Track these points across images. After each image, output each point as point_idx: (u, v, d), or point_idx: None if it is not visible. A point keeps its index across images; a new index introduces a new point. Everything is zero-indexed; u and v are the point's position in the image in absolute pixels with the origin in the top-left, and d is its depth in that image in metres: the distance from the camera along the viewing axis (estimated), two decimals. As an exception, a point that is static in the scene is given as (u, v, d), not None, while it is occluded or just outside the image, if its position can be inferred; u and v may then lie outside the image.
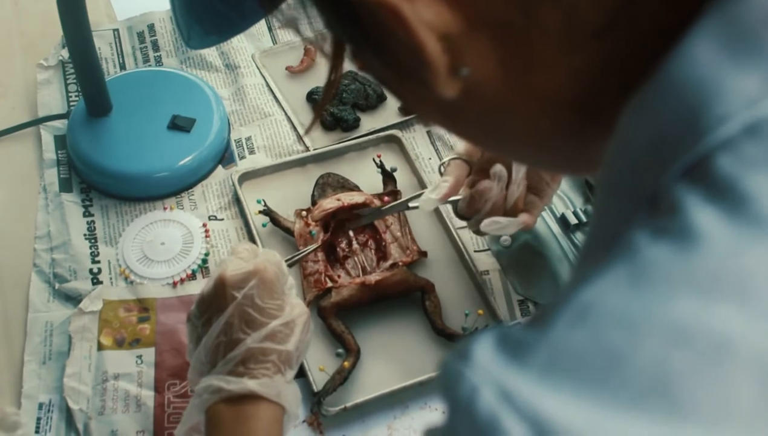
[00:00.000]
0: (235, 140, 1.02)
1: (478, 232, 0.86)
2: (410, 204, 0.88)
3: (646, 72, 0.34)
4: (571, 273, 0.38)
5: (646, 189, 0.32)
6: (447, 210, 0.94)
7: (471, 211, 0.83)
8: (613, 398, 0.28)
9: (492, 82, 0.37)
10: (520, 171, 0.81)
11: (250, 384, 0.65)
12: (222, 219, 0.94)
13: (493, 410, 0.29)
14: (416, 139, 1.03)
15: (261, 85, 1.07)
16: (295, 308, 0.70)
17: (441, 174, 0.86)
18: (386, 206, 0.91)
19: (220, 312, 0.68)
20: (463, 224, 0.93)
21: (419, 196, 0.87)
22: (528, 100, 0.38)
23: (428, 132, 1.03)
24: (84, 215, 0.93)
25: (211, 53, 1.10)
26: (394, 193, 0.94)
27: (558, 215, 0.93)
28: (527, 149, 0.44)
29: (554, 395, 0.29)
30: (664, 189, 0.31)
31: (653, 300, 0.30)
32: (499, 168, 0.80)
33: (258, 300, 0.68)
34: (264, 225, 0.92)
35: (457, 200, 0.84)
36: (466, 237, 0.92)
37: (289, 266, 0.76)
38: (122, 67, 1.09)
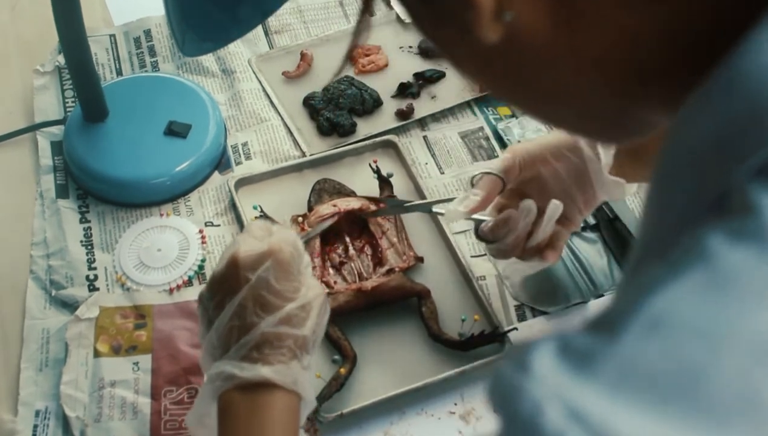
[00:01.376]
0: (231, 146, 1.02)
1: (495, 257, 0.83)
2: (434, 209, 0.86)
3: (709, 53, 0.32)
4: (626, 274, 0.35)
5: (713, 187, 0.30)
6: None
7: (491, 237, 0.81)
8: (693, 418, 0.26)
9: (537, 33, 0.35)
10: (551, 219, 0.78)
11: (264, 371, 0.61)
12: (218, 225, 0.94)
13: (561, 431, 0.27)
14: (413, 145, 1.03)
15: (257, 91, 1.07)
16: (311, 289, 0.66)
17: (472, 185, 0.83)
18: (409, 204, 0.90)
19: (233, 294, 0.64)
20: (461, 229, 0.94)
21: (446, 201, 0.85)
22: (574, 57, 0.36)
23: (425, 137, 1.03)
24: (80, 222, 0.93)
25: (207, 58, 1.10)
26: (391, 199, 0.94)
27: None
28: (564, 110, 0.41)
29: (628, 414, 0.27)
30: (736, 188, 0.29)
31: (735, 311, 0.28)
32: (528, 203, 0.77)
33: (273, 282, 0.64)
34: (260, 231, 0.92)
35: (481, 220, 0.81)
36: (463, 242, 0.92)
37: (305, 243, 0.72)
38: (119, 72, 1.09)
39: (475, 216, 0.81)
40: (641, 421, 0.26)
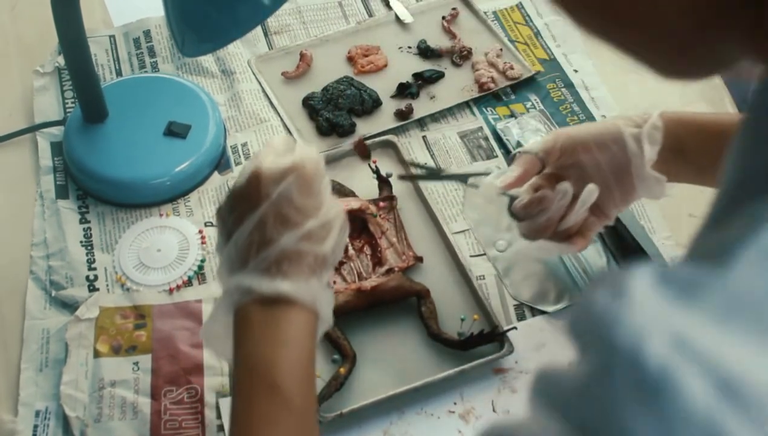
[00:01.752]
0: (231, 146, 1.02)
1: (525, 236, 0.83)
2: (470, 180, 0.87)
3: None
4: (715, 211, 0.36)
5: None
6: (442, 212, 0.94)
7: (523, 214, 0.81)
8: None
9: None
10: (585, 203, 0.78)
11: (284, 287, 0.61)
12: (218, 225, 0.94)
13: (665, 361, 0.26)
14: (412, 145, 1.03)
15: (257, 91, 1.08)
16: (331, 208, 0.65)
17: (510, 163, 0.83)
18: (445, 173, 0.93)
19: (254, 209, 0.63)
20: (460, 229, 0.94)
21: (482, 175, 0.85)
22: None
23: (424, 137, 1.04)
24: (80, 222, 0.93)
25: (206, 59, 1.10)
26: (390, 199, 0.94)
27: (553, 220, 0.93)
28: (636, 33, 0.38)
29: (737, 344, 0.26)
30: None
31: None
32: (565, 185, 0.77)
33: (295, 198, 0.63)
34: (260, 231, 0.92)
35: (515, 197, 0.81)
36: (462, 242, 0.93)
37: (327, 163, 0.71)
38: (118, 73, 1.09)
39: (510, 192, 0.81)
40: (751, 352, 0.25)
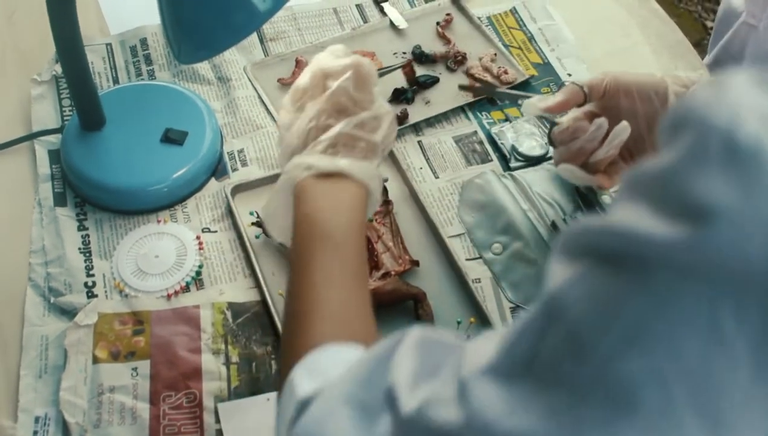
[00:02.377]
0: (227, 153, 1.02)
1: (557, 161, 0.91)
2: (519, 101, 0.95)
3: None
4: None
5: None
6: (437, 216, 0.95)
7: (559, 140, 0.88)
8: None
9: None
10: (617, 138, 0.84)
11: (341, 163, 0.69)
12: (215, 231, 0.95)
13: (758, 136, 0.28)
14: (407, 150, 1.03)
15: (253, 98, 1.08)
16: (382, 106, 0.75)
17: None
18: (500, 89, 1.04)
19: (314, 100, 0.73)
20: (456, 233, 0.94)
21: (528, 96, 0.92)
22: None
23: (419, 142, 1.04)
24: (78, 229, 0.94)
25: (203, 66, 1.11)
26: (387, 203, 0.95)
27: (549, 222, 0.94)
28: None
29: None
30: None
31: None
32: (601, 120, 0.84)
33: (351, 91, 0.72)
34: (257, 236, 0.93)
35: (555, 123, 0.90)
36: (458, 246, 0.93)
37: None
38: (115, 81, 1.10)
39: (558, 119, 0.90)
40: None
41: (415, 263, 0.91)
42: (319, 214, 0.67)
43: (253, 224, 0.92)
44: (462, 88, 1.06)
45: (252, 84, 1.10)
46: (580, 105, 0.89)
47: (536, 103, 0.89)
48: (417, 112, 1.07)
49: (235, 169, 1.01)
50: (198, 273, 0.90)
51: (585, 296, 0.32)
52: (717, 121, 0.29)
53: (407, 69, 1.08)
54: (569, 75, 1.13)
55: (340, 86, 0.72)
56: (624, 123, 0.82)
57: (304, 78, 0.75)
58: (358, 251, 0.67)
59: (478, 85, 1.06)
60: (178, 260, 0.91)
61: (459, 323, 0.85)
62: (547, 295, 0.35)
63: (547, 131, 0.92)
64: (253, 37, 1.16)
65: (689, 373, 0.29)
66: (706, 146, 0.29)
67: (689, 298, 0.29)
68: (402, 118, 1.05)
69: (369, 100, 0.74)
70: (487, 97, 1.09)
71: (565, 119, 0.90)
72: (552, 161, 0.98)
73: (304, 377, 0.53)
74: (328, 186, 0.68)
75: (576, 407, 0.32)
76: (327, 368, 0.54)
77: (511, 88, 1.09)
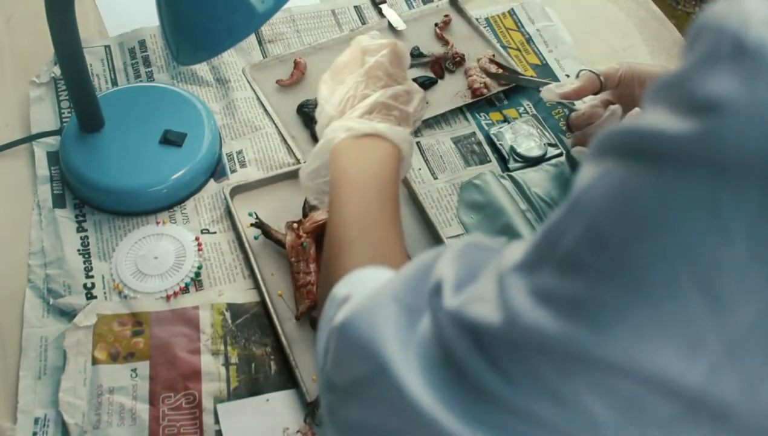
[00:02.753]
0: (226, 154, 1.03)
1: (572, 144, 0.98)
2: (540, 88, 1.02)
3: None
4: None
5: None
6: (436, 216, 0.95)
7: (575, 124, 0.97)
8: None
9: None
10: (616, 114, 0.91)
11: (378, 126, 0.75)
12: (214, 232, 0.95)
13: (763, 38, 0.31)
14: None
15: (251, 99, 1.08)
16: (414, 84, 0.82)
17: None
18: (523, 77, 1.08)
19: (353, 73, 0.80)
20: (455, 234, 0.94)
21: (548, 83, 1.00)
22: None
23: (418, 143, 1.04)
24: (77, 231, 0.94)
25: (201, 68, 1.11)
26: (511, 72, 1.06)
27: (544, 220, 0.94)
28: None
29: None
30: None
31: None
32: (615, 107, 0.91)
33: (387, 66, 0.80)
34: (256, 237, 0.93)
35: (573, 109, 0.99)
36: (457, 246, 0.93)
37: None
38: (114, 83, 1.10)
39: (577, 104, 0.99)
40: None
41: (414, 264, 0.91)
42: (356, 165, 0.73)
43: (252, 225, 0.92)
44: (490, 75, 1.10)
45: (251, 85, 1.10)
46: (596, 93, 0.95)
47: (554, 89, 0.96)
48: (415, 113, 1.07)
49: (233, 171, 1.01)
50: (197, 274, 0.90)
51: (604, 191, 0.35)
52: (728, 26, 0.32)
53: (435, 66, 1.11)
54: (567, 76, 1.13)
55: (377, 60, 0.80)
56: (636, 109, 0.86)
57: (344, 55, 0.83)
58: (394, 200, 0.72)
59: (503, 72, 1.10)
60: (177, 261, 0.91)
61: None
62: (572, 194, 0.38)
63: (564, 118, 1.02)
64: (252, 39, 1.16)
65: (692, 254, 0.32)
66: (717, 49, 0.32)
67: (694, 185, 0.32)
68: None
69: (402, 77, 0.81)
70: (486, 96, 1.09)
71: (582, 106, 0.97)
72: (551, 161, 0.99)
73: (346, 287, 0.57)
74: (365, 144, 0.74)
75: (593, 293, 0.35)
76: (367, 281, 0.56)
77: (509, 88, 1.10)
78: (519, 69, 1.12)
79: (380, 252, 0.65)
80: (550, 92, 0.97)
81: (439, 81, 1.11)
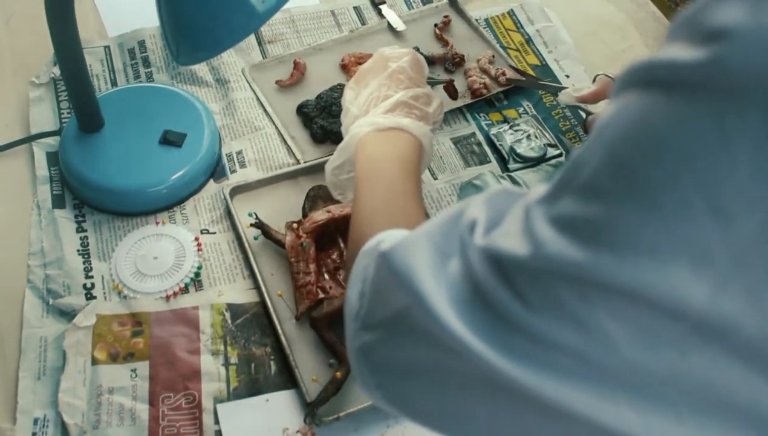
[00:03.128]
0: (226, 154, 1.03)
1: None
2: (558, 92, 1.04)
3: None
4: None
5: None
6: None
7: (592, 127, 0.95)
8: None
9: None
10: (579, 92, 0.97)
11: (401, 120, 0.80)
12: (214, 232, 0.95)
13: None
14: (406, 151, 1.04)
15: (251, 99, 1.08)
16: (431, 90, 0.87)
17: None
18: (543, 82, 1.09)
19: (377, 77, 0.86)
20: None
21: (564, 88, 1.03)
22: None
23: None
24: (77, 231, 0.94)
25: (201, 68, 1.11)
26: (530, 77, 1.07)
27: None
28: None
29: None
30: None
31: None
32: None
33: (409, 70, 0.86)
34: (256, 238, 0.93)
35: (590, 113, 1.03)
36: (456, 246, 0.93)
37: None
38: (113, 83, 1.10)
39: (590, 108, 1.03)
40: None
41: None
42: (381, 151, 0.78)
43: (251, 225, 0.92)
44: (509, 81, 1.10)
45: (250, 86, 1.10)
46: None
47: (572, 93, 1.00)
48: (415, 113, 1.07)
49: (233, 171, 1.01)
50: (197, 274, 0.90)
51: (624, 121, 0.38)
52: None
53: (450, 87, 1.10)
54: (567, 76, 1.13)
55: (399, 65, 0.86)
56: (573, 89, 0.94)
57: (368, 63, 0.89)
58: (416, 182, 0.76)
59: (523, 78, 1.11)
60: (177, 261, 0.91)
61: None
62: (594, 129, 0.40)
63: (582, 120, 1.06)
64: (252, 39, 1.16)
65: (700, 173, 0.34)
66: None
67: (702, 109, 0.34)
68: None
69: (423, 82, 0.87)
70: (486, 97, 1.09)
71: (598, 109, 1.00)
72: (551, 162, 0.99)
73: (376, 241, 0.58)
74: (389, 136, 0.79)
75: (611, 216, 0.37)
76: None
77: (509, 89, 1.10)
78: (531, 73, 1.12)
79: (405, 220, 0.67)
80: (567, 96, 1.01)
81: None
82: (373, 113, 0.82)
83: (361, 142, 0.80)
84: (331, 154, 1.00)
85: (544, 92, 1.11)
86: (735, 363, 0.35)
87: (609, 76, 0.97)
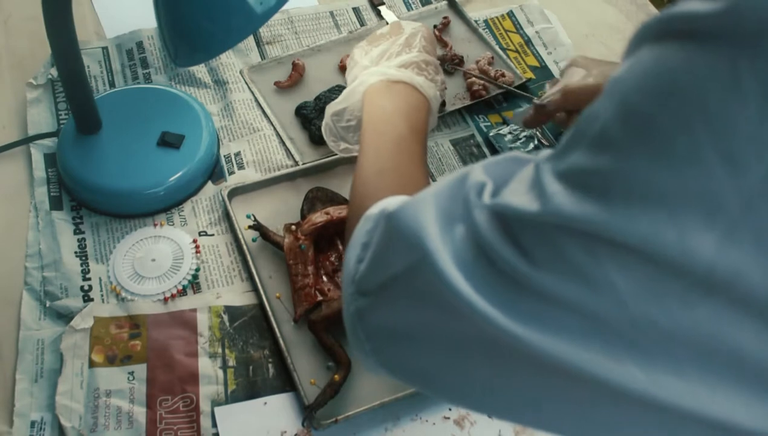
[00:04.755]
0: (224, 156, 1.02)
1: None
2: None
3: None
4: None
5: None
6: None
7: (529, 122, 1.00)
8: None
9: None
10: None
11: (416, 78, 0.81)
12: (212, 234, 0.94)
13: None
14: (404, 152, 1.03)
15: (249, 101, 1.08)
16: (439, 66, 0.89)
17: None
18: (519, 92, 1.09)
19: (390, 38, 0.88)
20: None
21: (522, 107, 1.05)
22: None
23: (416, 145, 1.04)
24: (74, 233, 0.93)
25: (199, 69, 1.11)
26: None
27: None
28: None
29: None
30: None
31: None
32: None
33: (421, 39, 0.88)
34: (254, 239, 0.92)
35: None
36: (455, 249, 0.93)
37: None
38: (111, 84, 1.10)
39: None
40: None
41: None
42: (391, 103, 0.78)
43: (250, 227, 0.92)
44: (526, 125, 1.02)
45: (249, 87, 1.10)
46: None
47: (521, 113, 1.00)
48: (414, 115, 1.06)
49: (231, 173, 1.01)
50: (195, 277, 0.90)
51: (636, 73, 0.38)
52: None
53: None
54: (566, 78, 1.13)
55: (413, 31, 0.88)
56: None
57: (383, 28, 0.92)
58: (423, 143, 0.77)
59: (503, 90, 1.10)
60: (175, 263, 0.91)
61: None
62: (606, 84, 0.40)
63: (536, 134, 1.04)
64: (250, 41, 1.16)
65: (712, 119, 0.34)
66: None
67: (715, 56, 0.34)
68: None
69: (434, 54, 0.89)
70: (485, 98, 1.09)
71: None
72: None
73: (378, 208, 0.58)
74: (399, 89, 0.80)
75: (621, 167, 0.37)
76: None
77: (509, 91, 1.10)
78: (518, 72, 1.12)
79: (410, 185, 0.67)
80: (517, 118, 1.01)
81: (438, 83, 1.10)
82: (387, 62, 0.83)
83: (372, 90, 0.80)
84: (330, 157, 1.00)
85: (544, 93, 1.11)
86: (740, 315, 0.35)
87: (580, 63, 0.95)
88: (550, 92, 0.96)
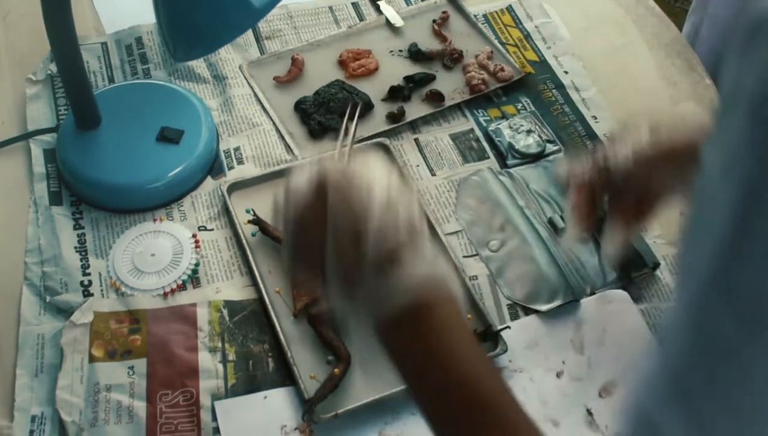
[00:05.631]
0: (223, 151, 1.02)
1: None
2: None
3: None
4: None
5: None
6: (434, 213, 0.95)
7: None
8: None
9: None
10: None
11: (455, 285, 0.61)
12: (212, 229, 0.94)
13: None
14: (404, 147, 1.03)
15: (249, 96, 1.08)
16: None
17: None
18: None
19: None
20: (453, 230, 0.94)
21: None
22: None
23: (416, 139, 1.04)
24: (74, 228, 0.94)
25: (198, 65, 1.11)
26: None
27: (546, 219, 0.94)
28: None
29: None
30: None
31: None
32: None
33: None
34: (253, 234, 0.92)
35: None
36: (455, 243, 0.93)
37: None
38: (110, 80, 1.10)
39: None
40: None
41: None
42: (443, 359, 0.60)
43: (249, 221, 0.92)
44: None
45: (248, 82, 1.10)
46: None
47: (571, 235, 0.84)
48: (414, 109, 1.06)
49: (231, 168, 1.01)
50: (194, 271, 0.90)
51: None
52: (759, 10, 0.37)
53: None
54: (566, 72, 1.13)
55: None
56: None
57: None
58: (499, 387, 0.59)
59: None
60: (175, 258, 0.91)
61: (456, 320, 0.85)
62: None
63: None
64: (249, 36, 1.16)
65: None
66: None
67: None
68: (398, 116, 1.05)
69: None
70: (484, 93, 1.08)
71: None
72: (550, 158, 0.99)
73: None
74: (447, 306, 0.61)
75: None
76: None
77: (508, 85, 1.10)
78: (518, 66, 1.12)
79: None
80: (567, 241, 0.89)
81: (437, 77, 1.10)
82: (424, 249, 0.63)
83: (426, 308, 0.60)
84: (330, 151, 1.00)
85: (543, 87, 1.11)
86: None
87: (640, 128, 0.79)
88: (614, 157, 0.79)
